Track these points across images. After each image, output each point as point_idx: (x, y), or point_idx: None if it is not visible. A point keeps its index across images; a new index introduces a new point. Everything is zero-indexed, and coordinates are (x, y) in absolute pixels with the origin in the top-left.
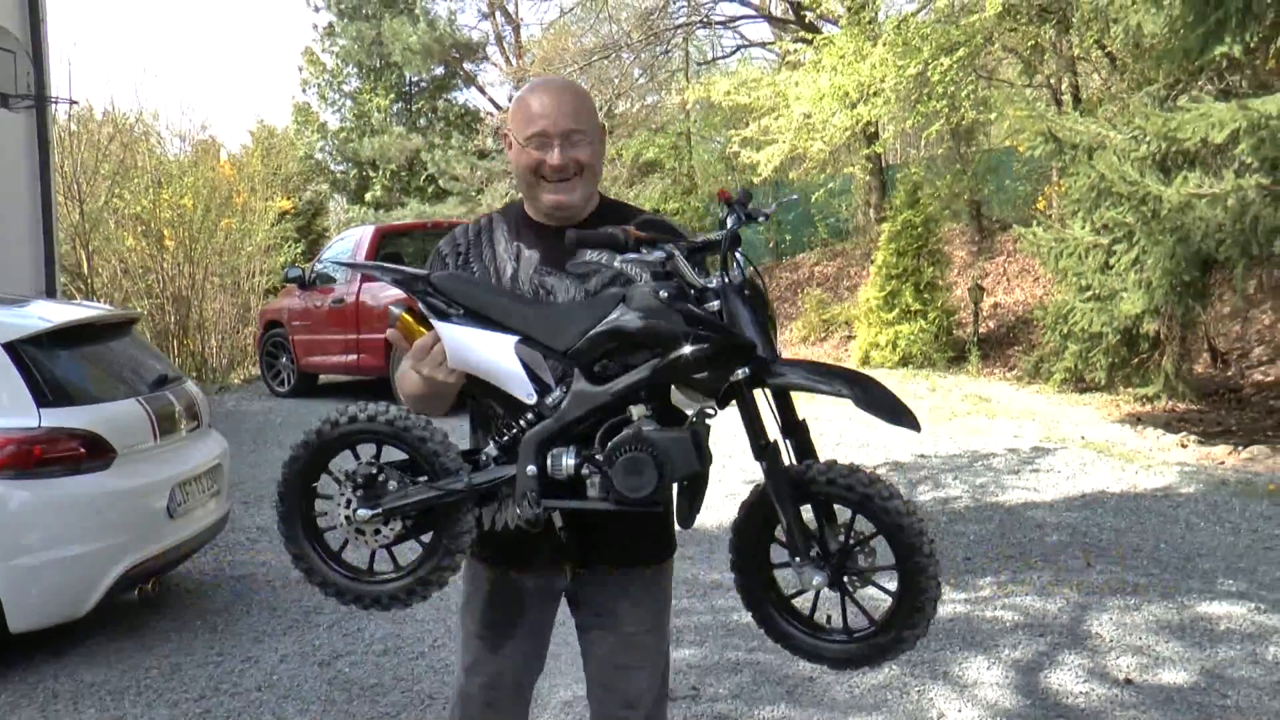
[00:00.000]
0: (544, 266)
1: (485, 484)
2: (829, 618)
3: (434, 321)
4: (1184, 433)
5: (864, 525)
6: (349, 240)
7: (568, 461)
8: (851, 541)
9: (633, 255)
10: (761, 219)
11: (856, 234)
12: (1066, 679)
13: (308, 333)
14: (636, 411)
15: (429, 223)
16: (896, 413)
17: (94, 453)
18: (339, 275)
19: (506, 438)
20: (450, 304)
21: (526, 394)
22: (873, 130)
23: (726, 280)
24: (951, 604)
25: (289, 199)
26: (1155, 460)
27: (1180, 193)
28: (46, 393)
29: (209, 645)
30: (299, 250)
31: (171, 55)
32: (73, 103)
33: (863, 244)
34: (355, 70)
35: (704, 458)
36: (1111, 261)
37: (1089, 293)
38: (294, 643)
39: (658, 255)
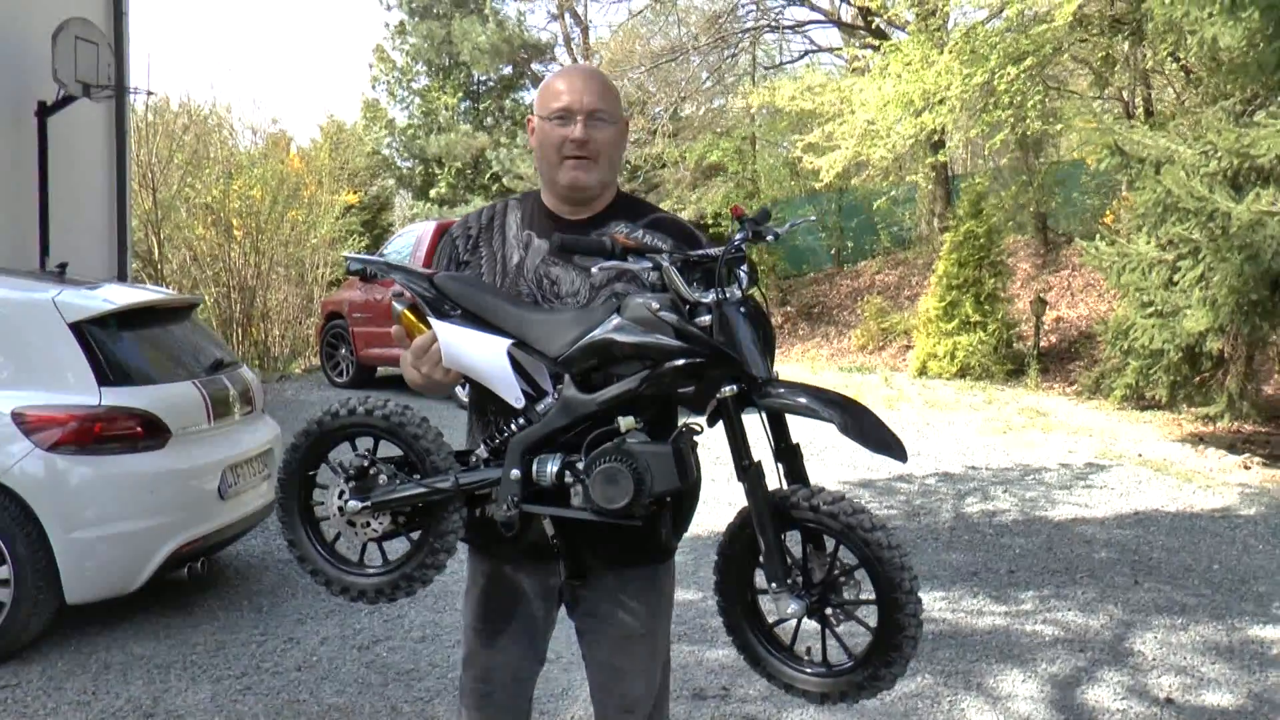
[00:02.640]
0: (551, 257)
1: (472, 485)
2: (809, 650)
3: (431, 320)
4: (1247, 454)
5: (849, 556)
6: (411, 235)
7: (551, 468)
8: (835, 572)
9: (617, 263)
10: (770, 238)
11: (919, 243)
12: (1104, 695)
13: (368, 325)
14: (625, 423)
15: None
16: (885, 444)
17: (150, 432)
18: None
19: (498, 441)
20: (450, 304)
21: (514, 398)
22: (938, 138)
23: (724, 295)
24: (991, 616)
25: (355, 193)
26: (1215, 480)
27: (1251, 210)
28: (108, 372)
29: (254, 625)
30: (363, 244)
31: (246, 50)
32: (150, 94)
33: (925, 253)
34: (424, 68)
35: (686, 473)
36: (1176, 278)
37: (1151, 309)
38: (335, 626)
39: (644, 265)
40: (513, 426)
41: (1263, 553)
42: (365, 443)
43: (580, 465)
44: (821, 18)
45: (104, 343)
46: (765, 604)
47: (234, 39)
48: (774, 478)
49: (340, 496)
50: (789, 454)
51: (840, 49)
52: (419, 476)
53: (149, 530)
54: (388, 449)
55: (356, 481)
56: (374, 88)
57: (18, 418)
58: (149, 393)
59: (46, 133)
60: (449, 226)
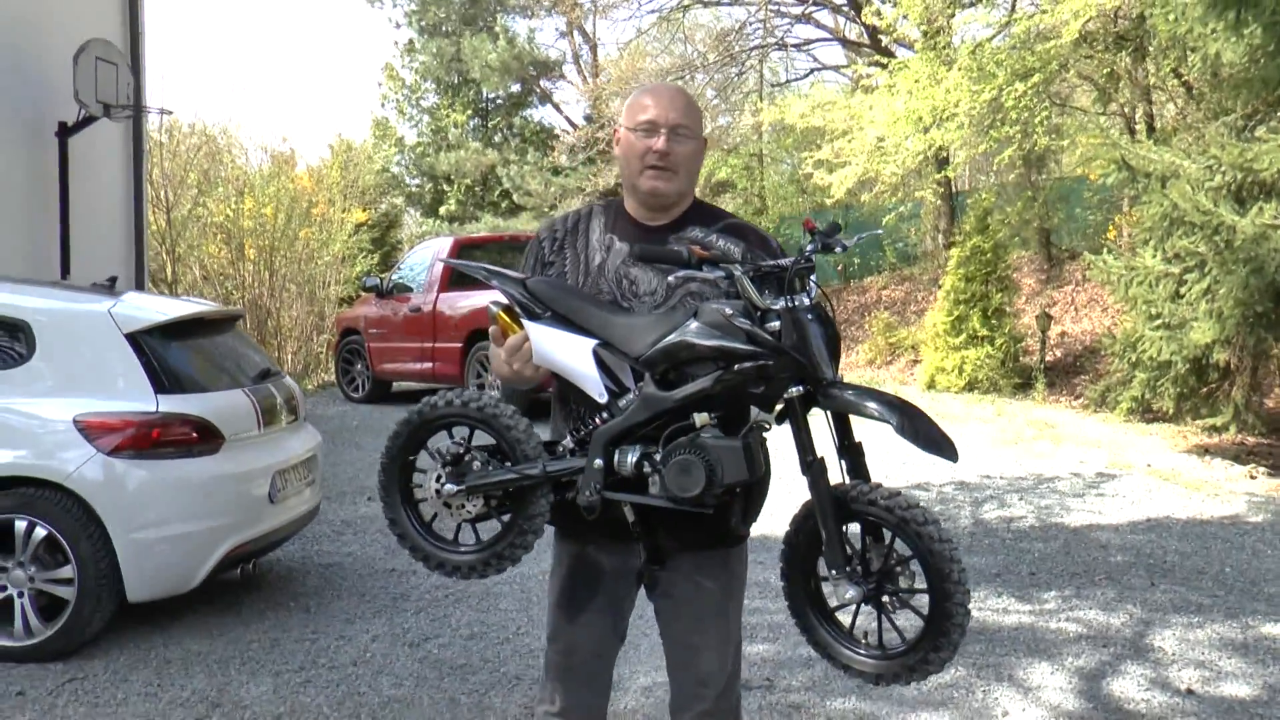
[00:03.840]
0: (630, 259)
1: (559, 472)
2: (866, 633)
3: (524, 320)
4: (1252, 464)
5: (904, 548)
6: (428, 250)
7: (631, 458)
8: (891, 562)
9: (693, 273)
10: (839, 250)
11: (924, 259)
12: (1128, 687)
13: (383, 340)
14: (700, 418)
15: (506, 235)
16: (936, 443)
17: (205, 438)
18: (415, 284)
19: (582, 433)
20: (541, 306)
21: (598, 393)
22: (944, 155)
23: (793, 303)
24: (1016, 614)
25: (365, 211)
26: (1223, 489)
27: (1255, 223)
28: (163, 380)
29: (304, 624)
30: (374, 261)
31: (256, 69)
32: (169, 113)
33: (930, 269)
34: (433, 86)
35: (754, 467)
36: (1182, 291)
37: (1159, 321)
38: (384, 625)
39: (718, 274)
40: (597, 420)
41: (1271, 557)
42: (461, 432)
43: (657, 457)
44: (828, 36)
45: (158, 352)
46: (827, 589)
47: (243, 58)
48: (836, 472)
49: (438, 480)
50: (852, 451)
51: (845, 67)
52: (510, 464)
53: (206, 532)
54: (481, 438)
55: (453, 467)
56: (383, 106)
57: (79, 424)
58: (202, 400)
59: (67, 152)
60: (465, 242)
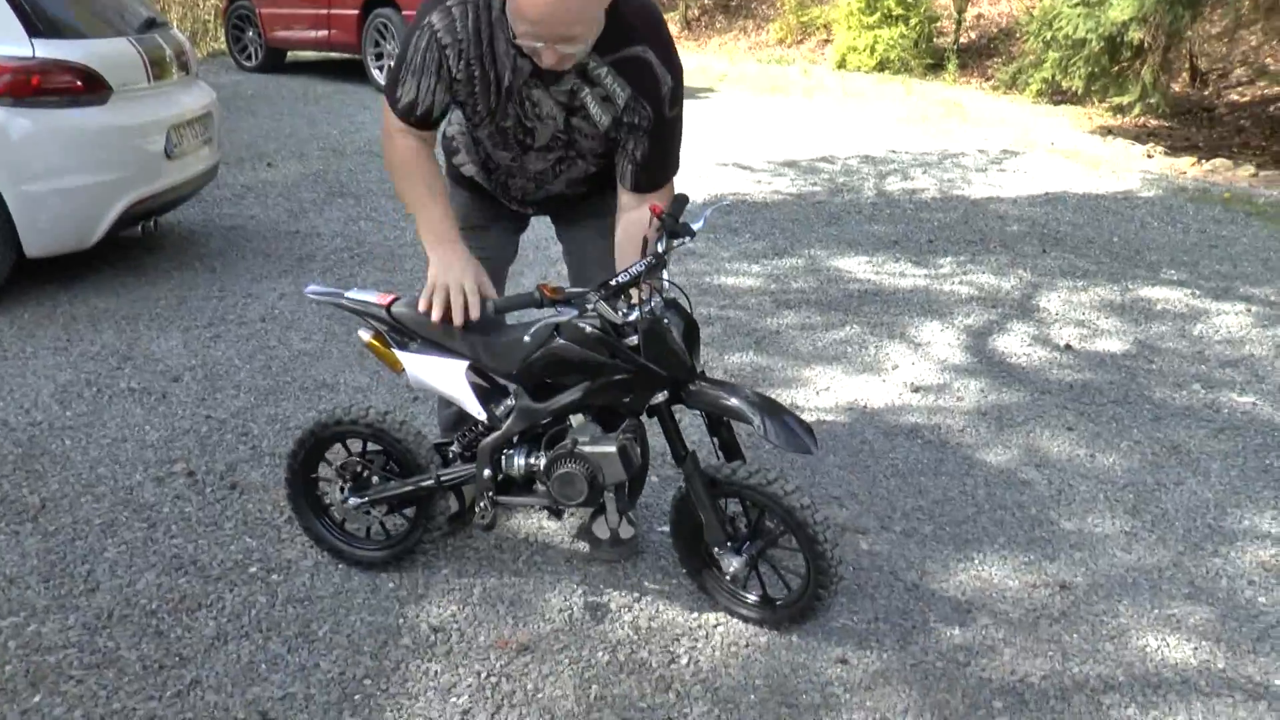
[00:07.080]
0: (532, 79)
1: (451, 480)
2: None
3: (396, 351)
4: (1151, 144)
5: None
6: None
7: (518, 462)
8: (765, 529)
9: (550, 317)
10: (687, 238)
11: None
12: (1012, 343)
13: (276, 6)
14: (575, 420)
15: None
16: (797, 439)
17: (90, 87)
18: None
19: (468, 439)
20: (408, 335)
21: (477, 412)
22: None
23: (650, 314)
24: (912, 278)
25: None
26: (1120, 167)
27: None
28: (36, 24)
29: (210, 283)
30: None
31: None
32: None
33: None
34: None
35: (631, 465)
36: None
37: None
38: (290, 284)
39: (571, 313)
40: (479, 427)
41: (1157, 229)
42: (355, 443)
43: (541, 464)
44: None
45: None
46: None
47: None
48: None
49: (341, 493)
50: (720, 429)
51: None
52: (401, 473)
53: (100, 186)
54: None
55: (353, 482)
56: None
57: None
58: (83, 46)
59: None
60: None
